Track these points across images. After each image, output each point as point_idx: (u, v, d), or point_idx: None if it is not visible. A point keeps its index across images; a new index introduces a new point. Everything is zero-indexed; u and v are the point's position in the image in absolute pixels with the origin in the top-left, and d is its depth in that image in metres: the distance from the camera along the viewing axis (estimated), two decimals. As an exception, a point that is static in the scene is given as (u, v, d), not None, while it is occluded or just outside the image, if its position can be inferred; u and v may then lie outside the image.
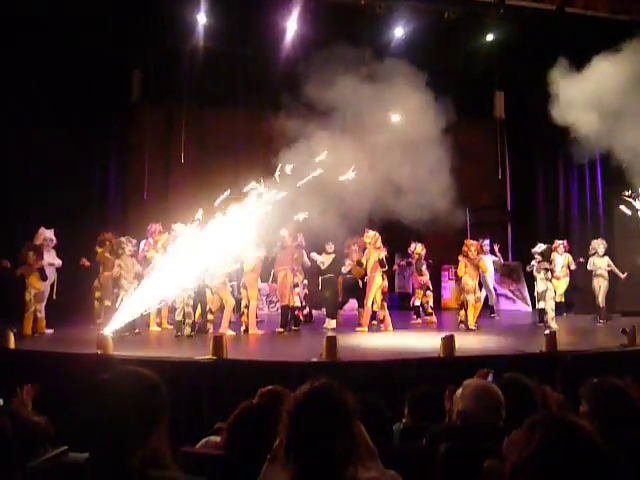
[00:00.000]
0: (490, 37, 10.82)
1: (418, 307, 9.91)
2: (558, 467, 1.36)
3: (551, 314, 8.78)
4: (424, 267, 9.94)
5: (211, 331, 8.07)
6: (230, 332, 7.94)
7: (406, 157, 8.63)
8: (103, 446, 1.56)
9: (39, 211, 9.18)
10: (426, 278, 9.93)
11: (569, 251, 9.97)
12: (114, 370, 1.70)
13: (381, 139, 8.89)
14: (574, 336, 8.20)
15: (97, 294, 8.47)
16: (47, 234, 8.13)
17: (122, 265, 8.07)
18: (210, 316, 8.26)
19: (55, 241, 8.24)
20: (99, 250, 8.48)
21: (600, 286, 9.66)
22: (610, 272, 9.69)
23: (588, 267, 9.80)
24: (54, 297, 8.30)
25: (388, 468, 1.84)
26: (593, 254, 9.75)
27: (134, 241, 8.51)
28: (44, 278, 7.86)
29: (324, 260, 9.27)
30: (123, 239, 8.31)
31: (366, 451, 1.76)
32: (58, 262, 8.25)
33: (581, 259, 9.91)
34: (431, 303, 10.01)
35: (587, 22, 10.37)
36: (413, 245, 10.00)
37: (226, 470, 1.88)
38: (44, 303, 7.94)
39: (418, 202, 8.46)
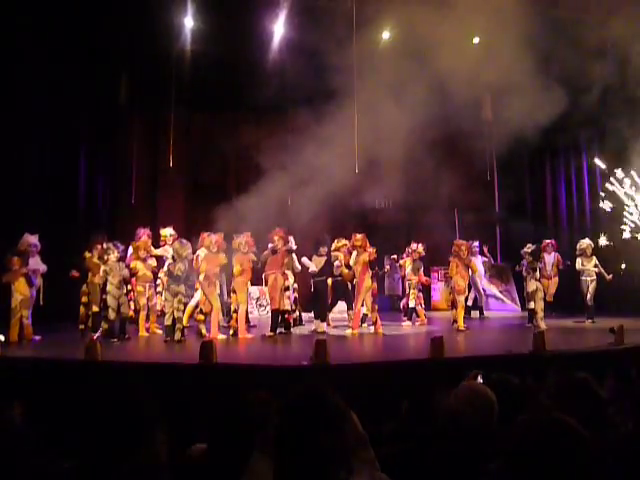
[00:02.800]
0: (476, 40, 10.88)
1: (412, 309, 9.88)
2: (550, 462, 1.42)
3: (540, 314, 8.82)
4: (422, 268, 9.96)
5: (201, 327, 8.11)
6: (221, 336, 7.91)
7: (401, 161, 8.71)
8: (91, 454, 1.56)
9: (25, 216, 9.08)
10: (419, 279, 9.95)
11: (557, 250, 10.07)
12: (103, 380, 1.70)
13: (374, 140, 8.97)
14: (563, 336, 8.24)
15: (84, 299, 8.38)
16: (31, 239, 7.99)
17: (108, 271, 7.99)
18: (200, 316, 8.21)
19: (39, 246, 8.11)
20: (87, 255, 8.39)
21: (588, 286, 9.78)
22: (598, 272, 9.81)
23: (577, 267, 9.90)
24: (41, 303, 8.20)
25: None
26: (581, 254, 9.85)
27: (121, 247, 8.44)
28: (30, 284, 7.77)
29: (314, 267, 9.24)
30: (110, 244, 8.25)
31: (357, 438, 1.77)
32: (43, 268, 8.12)
33: (568, 262, 10.00)
34: (422, 304, 10.04)
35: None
36: (414, 245, 10.00)
37: (210, 476, 1.87)
38: (30, 309, 7.85)
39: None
